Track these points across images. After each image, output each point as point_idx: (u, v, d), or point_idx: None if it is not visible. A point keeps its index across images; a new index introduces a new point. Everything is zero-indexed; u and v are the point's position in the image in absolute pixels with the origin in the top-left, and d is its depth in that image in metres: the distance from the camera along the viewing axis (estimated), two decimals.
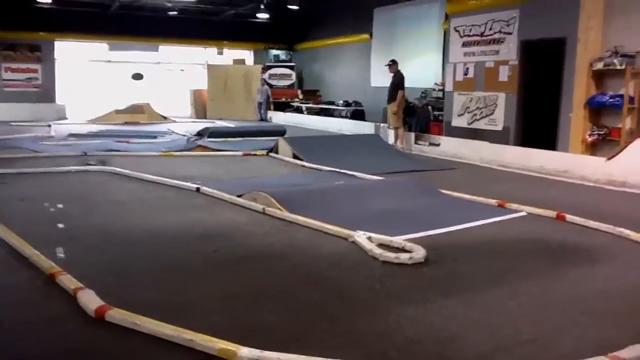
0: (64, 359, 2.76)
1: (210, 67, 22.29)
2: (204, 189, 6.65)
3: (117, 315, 3.02)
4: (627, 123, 8.95)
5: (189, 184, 6.95)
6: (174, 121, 19.06)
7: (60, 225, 5.13)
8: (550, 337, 3.00)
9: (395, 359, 2.66)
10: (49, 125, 16.12)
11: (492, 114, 11.15)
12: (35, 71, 20.86)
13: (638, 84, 8.90)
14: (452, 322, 3.18)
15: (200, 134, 13.53)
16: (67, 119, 19.78)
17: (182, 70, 23.99)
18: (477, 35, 11.47)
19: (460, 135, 11.51)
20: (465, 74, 11.79)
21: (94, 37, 21.53)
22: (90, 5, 20.15)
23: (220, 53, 24.02)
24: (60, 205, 5.87)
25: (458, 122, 11.93)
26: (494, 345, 2.91)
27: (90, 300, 3.18)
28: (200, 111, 21.92)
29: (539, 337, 3.00)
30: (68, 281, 3.48)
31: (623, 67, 8.86)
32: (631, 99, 8.89)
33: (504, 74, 10.86)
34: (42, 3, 19.00)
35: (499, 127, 10.93)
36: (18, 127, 15.67)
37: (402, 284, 3.81)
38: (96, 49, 22.58)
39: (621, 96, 8.94)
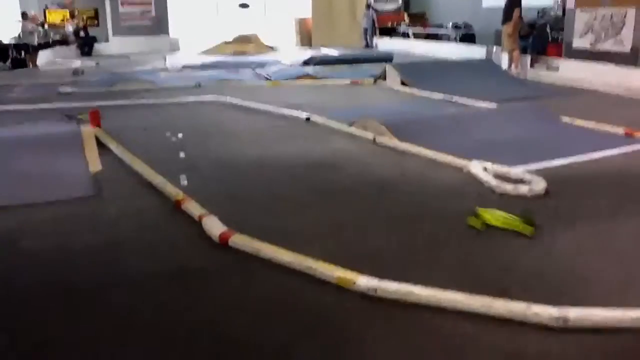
0: (189, 277, 2.94)
1: None
2: (314, 118, 6.69)
3: (240, 240, 3.17)
4: None
5: (299, 113, 7.01)
6: (280, 51, 19.15)
7: (182, 154, 5.39)
8: None
9: (515, 292, 2.59)
10: (164, 58, 16.75)
11: (619, 33, 10.18)
12: (149, 4, 21.53)
13: None
14: (575, 256, 3.06)
15: (306, 63, 13.53)
16: (179, 50, 20.45)
17: None
18: None
19: (582, 58, 10.65)
20: None
21: None
22: None
23: None
24: (180, 135, 6.15)
25: (580, 43, 11.01)
26: (623, 282, 2.76)
27: (214, 225, 3.35)
28: (306, 39, 21.82)
29: None
30: (193, 207, 3.67)
31: None
32: None
33: None
34: None
35: (627, 48, 9.98)
36: (136, 59, 16.43)
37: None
38: None
39: None
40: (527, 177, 4.22)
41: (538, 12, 13.48)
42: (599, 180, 4.44)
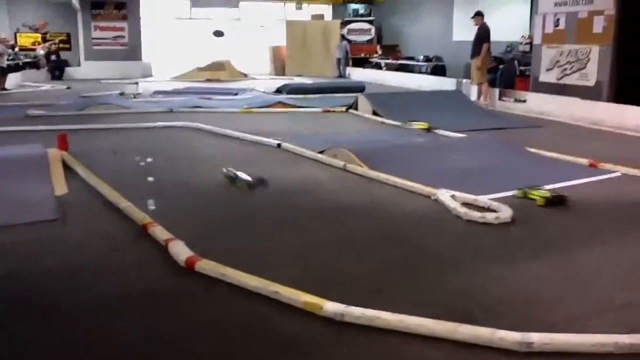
0: (153, 301, 2.89)
1: (289, 23, 22.21)
2: (285, 144, 6.71)
3: (206, 266, 3.13)
4: None
5: (270, 139, 7.02)
6: (254, 78, 19.24)
7: (150, 179, 5.33)
8: None
9: (481, 318, 2.61)
10: (136, 83, 16.69)
11: (584, 68, 10.50)
12: (122, 29, 21.49)
13: None
14: (541, 284, 3.09)
15: (279, 91, 13.62)
16: (152, 76, 20.40)
17: (262, 26, 24.04)
18: None
19: (548, 92, 10.95)
20: (556, 26, 11.12)
21: None
22: None
23: (299, 8, 23.83)
24: (149, 159, 6.10)
25: (546, 77, 11.33)
26: (585, 309, 2.79)
27: (180, 250, 3.31)
28: (279, 68, 22.00)
29: (634, 302, 2.86)
30: (159, 232, 3.62)
31: None
32: None
33: (598, 25, 10.14)
34: None
35: (591, 83, 10.29)
36: (107, 85, 16.33)
37: (488, 243, 3.73)
38: (178, 5, 22.97)
39: None
40: (494, 204, 4.29)
41: (507, 47, 13.85)
42: (564, 209, 4.52)
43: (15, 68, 16.91)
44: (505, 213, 4.09)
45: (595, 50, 10.21)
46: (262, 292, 2.85)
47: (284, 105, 11.27)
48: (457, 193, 4.55)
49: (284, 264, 3.37)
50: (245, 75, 19.80)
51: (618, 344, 2.33)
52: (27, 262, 3.38)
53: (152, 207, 4.36)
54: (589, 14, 10.32)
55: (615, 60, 9.87)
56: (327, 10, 24.15)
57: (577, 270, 3.31)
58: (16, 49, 18.69)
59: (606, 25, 9.97)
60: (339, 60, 20.30)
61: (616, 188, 5.19)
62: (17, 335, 2.55)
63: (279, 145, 6.76)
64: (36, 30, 19.93)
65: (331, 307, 2.64)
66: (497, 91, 11.80)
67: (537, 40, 11.71)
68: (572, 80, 10.71)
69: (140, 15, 21.84)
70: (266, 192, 4.96)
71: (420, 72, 17.49)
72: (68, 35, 20.47)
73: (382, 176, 5.20)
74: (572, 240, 3.82)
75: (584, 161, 6.01)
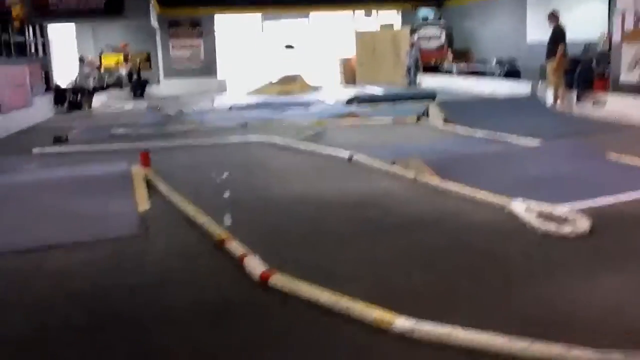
0: (229, 315, 3.00)
1: (359, 34, 22.35)
2: (356, 157, 6.77)
3: (279, 280, 3.22)
4: None
5: (341, 152, 7.10)
6: (325, 90, 19.47)
7: (226, 193, 5.53)
8: None
9: (558, 334, 2.55)
10: (212, 99, 17.28)
11: None
12: (197, 46, 22.35)
13: None
14: (620, 297, 2.98)
15: (350, 101, 13.72)
16: (227, 91, 21.04)
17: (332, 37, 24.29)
18: None
19: (629, 93, 10.45)
20: (638, 22, 10.61)
21: (248, 8, 22.43)
22: None
23: (369, 15, 23.94)
24: (225, 174, 6.32)
25: (628, 77, 10.82)
26: None
27: (255, 265, 3.42)
28: (350, 78, 22.16)
29: None
30: (235, 247, 3.76)
31: None
32: None
33: None
34: None
35: None
36: (185, 100, 17.00)
37: (565, 256, 3.62)
38: (250, 21, 23.62)
39: None
40: (571, 215, 4.16)
41: (584, 46, 13.34)
42: None
43: (100, 88, 17.92)
44: (583, 224, 3.96)
45: None
46: (334, 307, 2.91)
47: (355, 116, 11.34)
48: (532, 203, 4.44)
49: (355, 277, 3.42)
50: (316, 87, 20.07)
51: None
52: (109, 276, 3.60)
53: (229, 222, 4.52)
54: None
55: None
56: (396, 18, 24.10)
57: None
58: (101, 70, 19.80)
59: None
60: (409, 68, 20.19)
61: None
62: (98, 345, 2.73)
63: (350, 157, 6.82)
64: (119, 51, 21.04)
65: (402, 323, 2.66)
66: (574, 93, 11.38)
67: (616, 38, 11.22)
68: None
69: (215, 32, 22.63)
70: (339, 205, 5.04)
71: (493, 76, 17.11)
72: (148, 54, 21.48)
73: (454, 187, 5.16)
74: None
75: None
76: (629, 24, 10.77)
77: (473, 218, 4.47)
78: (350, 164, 6.72)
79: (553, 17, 11.37)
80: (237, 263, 3.57)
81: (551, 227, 3.98)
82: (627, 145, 6.87)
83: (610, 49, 11.73)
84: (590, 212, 4.26)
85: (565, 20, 11.55)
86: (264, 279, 3.28)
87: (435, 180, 5.44)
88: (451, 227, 4.33)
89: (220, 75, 22.70)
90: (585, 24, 13.88)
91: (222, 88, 21.55)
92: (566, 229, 3.92)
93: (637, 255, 3.63)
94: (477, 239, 4.05)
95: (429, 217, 4.60)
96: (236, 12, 22.93)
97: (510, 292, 3.14)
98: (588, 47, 13.30)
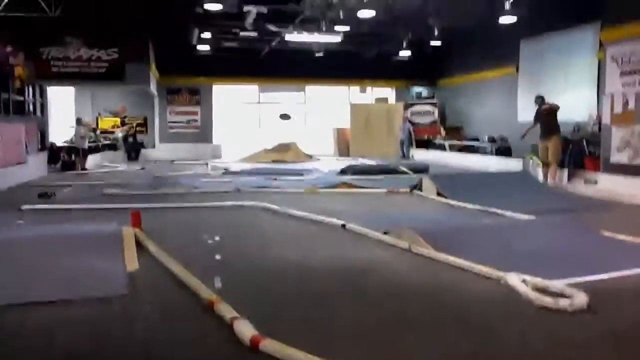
0: None
1: (353, 106, 22.83)
2: (350, 225, 6.73)
3: (270, 345, 3.11)
4: None
5: (334, 220, 7.07)
6: (319, 159, 19.65)
7: (218, 256, 5.44)
8: None
9: None
10: (206, 164, 17.38)
11: None
12: (195, 114, 22.74)
13: None
14: None
15: (344, 171, 13.82)
16: (221, 157, 21.19)
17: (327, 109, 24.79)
18: (638, 62, 10.61)
19: (621, 173, 10.61)
20: (625, 106, 10.91)
21: (246, 79, 23.04)
22: (244, 51, 21.63)
23: (363, 91, 24.55)
24: (217, 238, 6.25)
25: (618, 157, 11.01)
26: None
27: (245, 329, 3.32)
28: (344, 149, 22.43)
29: None
30: (225, 309, 3.66)
31: None
32: None
33: None
34: (202, 51, 20.77)
35: None
36: (179, 165, 17.07)
37: (561, 331, 3.54)
38: (248, 91, 24.14)
39: None
40: (568, 291, 4.10)
41: (574, 127, 13.65)
42: None
43: (95, 149, 18.02)
44: (580, 299, 3.89)
45: None
46: None
47: (348, 185, 11.39)
48: (527, 277, 4.39)
49: (347, 344, 3.32)
50: (310, 156, 20.26)
51: None
52: (95, 336, 3.46)
53: (219, 285, 4.43)
54: None
55: None
56: (390, 94, 24.72)
57: None
58: (97, 132, 19.97)
59: None
60: (402, 142, 20.51)
61: None
62: None
63: (343, 225, 6.79)
64: (116, 115, 21.31)
65: None
66: (565, 172, 11.54)
67: (605, 120, 11.50)
68: None
69: (212, 100, 23.08)
70: (331, 271, 4.96)
71: (484, 153, 17.39)
72: (145, 119, 21.75)
73: (449, 258, 5.10)
74: None
75: None
76: (618, 108, 11.07)
77: (468, 290, 4.39)
78: (344, 231, 6.67)
79: (539, 99, 11.78)
80: (228, 326, 3.46)
81: (548, 300, 3.90)
82: (620, 223, 6.87)
83: (600, 130, 12.00)
84: (586, 288, 4.20)
85: (555, 102, 11.88)
86: (254, 343, 3.17)
87: (430, 251, 5.39)
88: (446, 298, 4.25)
89: (215, 140, 22.95)
90: (575, 105, 14.26)
91: (217, 153, 21.74)
92: (563, 303, 3.85)
93: (634, 329, 3.55)
94: (473, 310, 3.96)
95: (424, 287, 4.52)
96: (234, 83, 23.46)
97: None
98: (578, 127, 13.61)
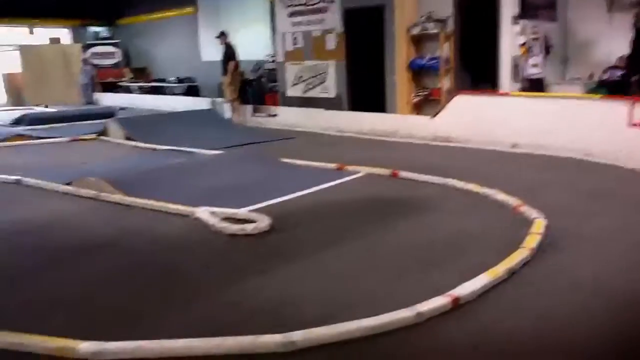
0: None
1: (24, 49, 20.26)
2: (25, 180, 6.05)
3: None
4: (445, 83, 9.66)
5: (6, 176, 6.28)
6: None
7: None
8: (390, 287, 3.17)
9: (249, 328, 2.62)
10: None
11: (324, 82, 11.43)
12: None
13: (451, 46, 9.61)
14: (291, 289, 3.21)
15: (17, 122, 12.30)
16: None
17: None
18: (301, 4, 11.60)
19: (296, 105, 11.68)
20: (295, 44, 11.92)
21: None
22: None
23: (32, 32, 21.93)
24: None
25: (293, 92, 12.07)
26: (331, 308, 2.92)
27: None
28: (17, 97, 19.92)
29: (376, 290, 3.15)
30: None
31: (437, 31, 9.51)
32: (447, 61, 9.59)
33: (330, 42, 11.14)
34: None
35: (332, 95, 11.24)
36: None
37: (248, 254, 3.80)
38: None
39: (437, 58, 9.60)
40: (253, 215, 4.39)
41: (254, 65, 14.42)
42: (318, 211, 4.82)
43: None
44: (263, 222, 4.21)
45: (331, 65, 11.17)
46: (17, 348, 2.54)
47: (25, 137, 10.18)
48: (217, 209, 4.56)
49: (35, 312, 3.04)
50: None
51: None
52: None
53: None
54: (322, 33, 11.26)
55: (349, 74, 10.91)
56: (66, 34, 22.60)
57: (322, 271, 3.48)
58: None
59: (337, 42, 10.97)
60: (85, 86, 19.09)
61: (360, 186, 5.71)
62: None
63: (17, 181, 6.07)
64: None
65: (87, 346, 2.43)
66: (249, 107, 12.23)
67: (280, 57, 12.42)
68: (316, 93, 11.57)
69: None
70: (9, 233, 4.42)
71: (173, 94, 17.32)
72: None
73: (139, 201, 4.99)
74: (320, 242, 4.00)
75: (333, 166, 6.51)
76: (289, 46, 12.03)
77: (161, 230, 4.38)
78: (19, 187, 5.98)
79: (223, 36, 12.04)
80: None
81: (235, 228, 4.13)
82: (298, 150, 7.61)
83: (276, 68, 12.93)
84: (270, 211, 4.56)
85: (235, 42, 12.33)
86: None
87: (118, 197, 5.18)
88: (137, 241, 4.18)
89: None
90: (255, 45, 15.01)
91: None
92: (248, 228, 4.12)
93: (312, 244, 3.98)
94: (163, 250, 3.97)
95: (115, 236, 4.34)
96: None
97: (194, 299, 3.12)
98: (258, 66, 14.41)
